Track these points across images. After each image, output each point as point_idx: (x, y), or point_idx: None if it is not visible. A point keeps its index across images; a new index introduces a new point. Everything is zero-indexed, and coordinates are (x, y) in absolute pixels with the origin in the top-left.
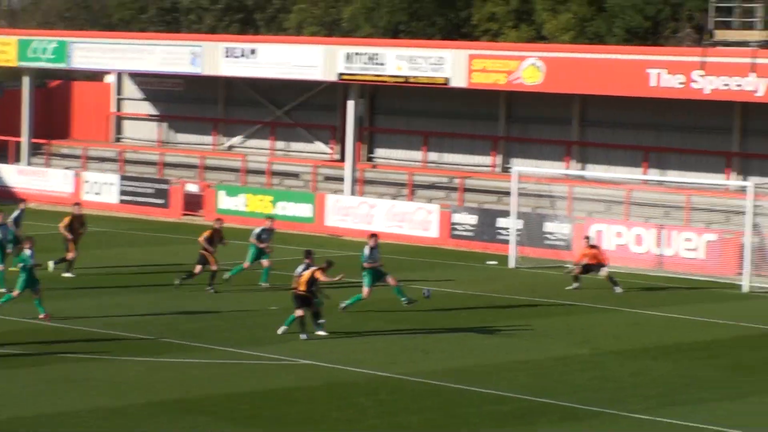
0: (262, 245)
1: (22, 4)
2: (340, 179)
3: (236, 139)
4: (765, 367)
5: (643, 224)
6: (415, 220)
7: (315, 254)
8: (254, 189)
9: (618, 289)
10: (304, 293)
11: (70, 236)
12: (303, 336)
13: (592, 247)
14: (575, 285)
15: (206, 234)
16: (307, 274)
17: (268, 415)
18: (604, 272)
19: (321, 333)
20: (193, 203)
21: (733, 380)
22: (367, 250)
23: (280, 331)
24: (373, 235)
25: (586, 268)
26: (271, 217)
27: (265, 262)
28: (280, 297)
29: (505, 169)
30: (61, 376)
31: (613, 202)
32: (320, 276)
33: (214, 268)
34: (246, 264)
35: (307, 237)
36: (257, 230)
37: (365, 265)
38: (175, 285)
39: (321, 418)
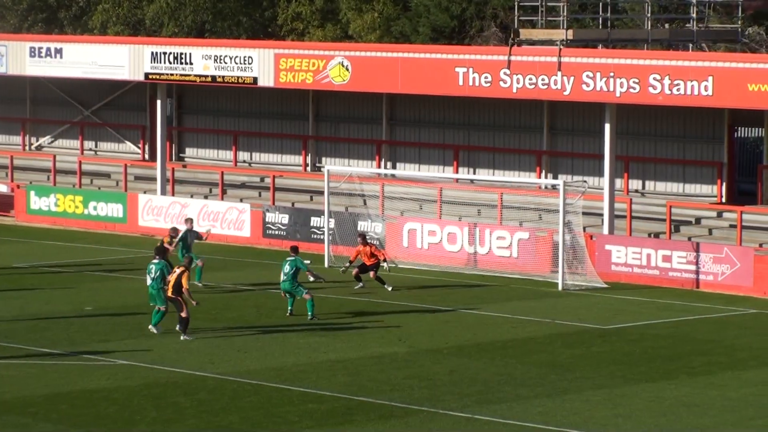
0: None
1: None
2: (151, 179)
3: (45, 139)
4: (581, 364)
5: (456, 223)
6: (227, 220)
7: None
8: (65, 189)
9: (388, 288)
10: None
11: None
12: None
13: (367, 244)
14: (360, 285)
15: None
16: (173, 278)
17: (87, 415)
18: (386, 267)
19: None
20: (3, 204)
21: (550, 377)
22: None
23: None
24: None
25: (363, 268)
26: (189, 219)
27: (198, 261)
28: (95, 297)
29: (317, 168)
30: None
31: (426, 201)
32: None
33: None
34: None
35: (121, 237)
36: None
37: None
38: None
39: (139, 418)
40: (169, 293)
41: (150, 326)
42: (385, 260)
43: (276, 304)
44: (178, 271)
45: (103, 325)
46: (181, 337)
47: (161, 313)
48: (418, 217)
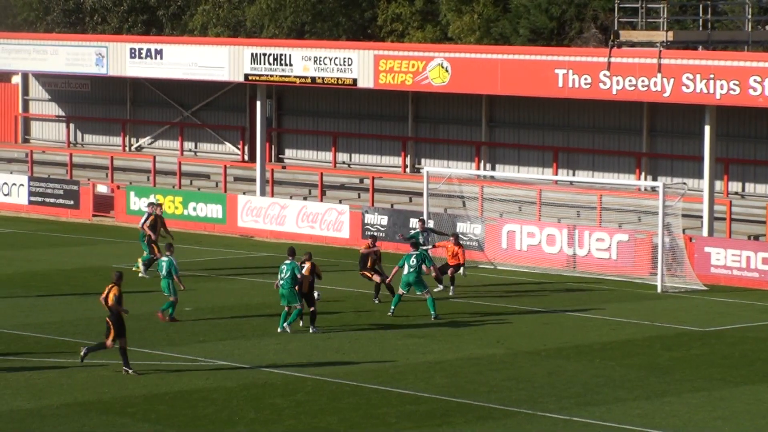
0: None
1: None
2: (251, 180)
3: (145, 140)
4: (680, 366)
5: (555, 225)
6: (326, 221)
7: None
8: (165, 190)
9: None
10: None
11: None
12: None
13: (458, 245)
14: (440, 287)
15: (150, 220)
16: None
17: (185, 416)
18: (462, 273)
19: None
20: (103, 204)
21: (649, 380)
22: None
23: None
24: None
25: (444, 268)
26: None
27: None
28: (194, 297)
29: (416, 170)
30: None
31: (525, 203)
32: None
33: (157, 256)
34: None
35: (220, 238)
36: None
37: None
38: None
39: (238, 419)
40: (304, 289)
41: (285, 325)
42: (464, 266)
43: (374, 305)
44: (306, 265)
45: (201, 325)
46: (311, 330)
47: (298, 311)
48: (517, 218)
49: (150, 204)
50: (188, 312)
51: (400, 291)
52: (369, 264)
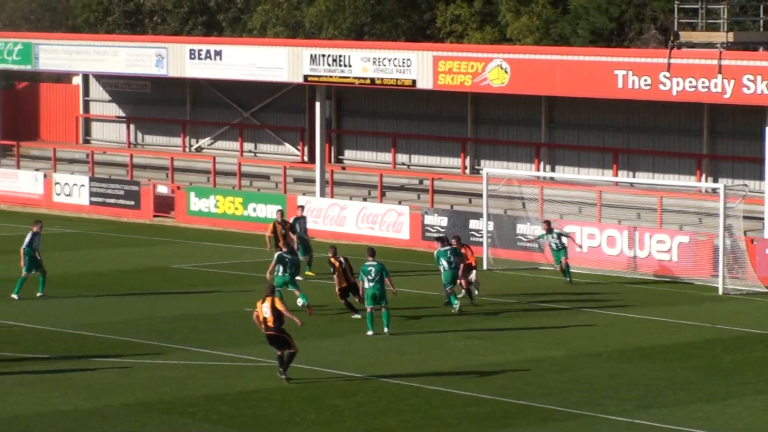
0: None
1: None
2: (310, 181)
3: (204, 141)
4: (742, 369)
5: (615, 226)
6: (386, 222)
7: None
8: (225, 191)
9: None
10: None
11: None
12: None
13: (462, 245)
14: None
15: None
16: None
17: (245, 416)
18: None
19: None
20: (163, 205)
21: (710, 382)
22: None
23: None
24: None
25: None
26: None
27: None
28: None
29: (475, 171)
30: (38, 377)
31: (585, 204)
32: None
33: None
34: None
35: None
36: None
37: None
38: None
39: (299, 420)
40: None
41: (385, 330)
42: (475, 268)
43: (436, 306)
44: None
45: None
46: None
47: (387, 312)
48: (577, 220)
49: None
50: (248, 312)
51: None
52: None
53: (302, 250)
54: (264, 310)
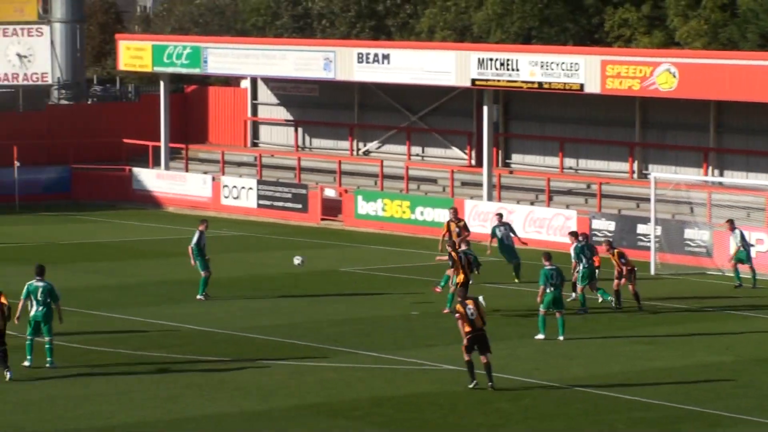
0: None
1: (156, 10)
2: (477, 184)
3: (372, 144)
4: None
5: None
6: (553, 226)
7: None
8: (392, 194)
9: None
10: None
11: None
12: None
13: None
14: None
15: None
16: None
17: (412, 420)
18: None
19: None
20: (331, 208)
21: None
22: None
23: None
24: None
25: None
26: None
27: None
28: (422, 301)
29: (643, 175)
30: (207, 379)
31: (754, 209)
32: None
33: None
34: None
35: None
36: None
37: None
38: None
39: (464, 423)
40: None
41: (559, 338)
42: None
43: (601, 310)
44: None
45: (429, 329)
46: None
47: (563, 318)
48: (745, 225)
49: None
50: (415, 315)
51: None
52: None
53: (507, 256)
54: (469, 311)
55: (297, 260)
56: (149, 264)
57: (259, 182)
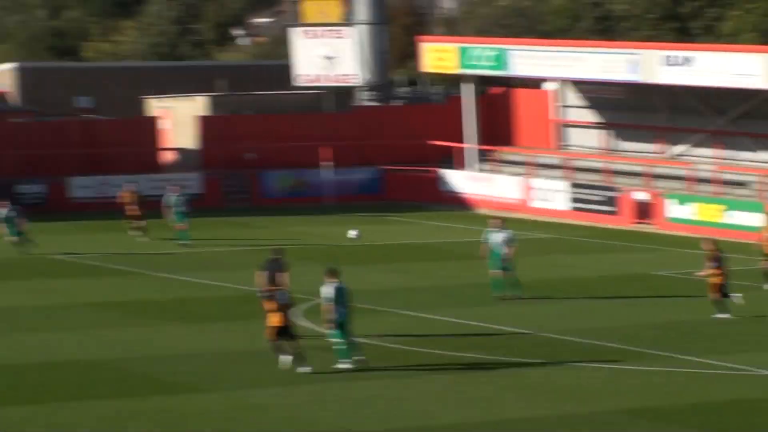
0: None
1: (460, 12)
2: None
3: (680, 148)
4: None
5: None
6: None
7: None
8: (705, 198)
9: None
10: None
11: None
12: None
13: None
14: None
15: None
16: None
17: (736, 426)
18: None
19: None
20: (642, 211)
21: None
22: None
23: None
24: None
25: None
26: None
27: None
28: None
29: None
30: (524, 381)
31: None
32: None
33: None
34: None
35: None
36: None
37: None
38: None
39: None
40: None
41: None
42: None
43: None
44: None
45: (748, 334)
46: None
47: None
48: None
49: None
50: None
51: None
52: None
53: None
54: None
55: (352, 233)
56: (460, 266)
57: (571, 185)
